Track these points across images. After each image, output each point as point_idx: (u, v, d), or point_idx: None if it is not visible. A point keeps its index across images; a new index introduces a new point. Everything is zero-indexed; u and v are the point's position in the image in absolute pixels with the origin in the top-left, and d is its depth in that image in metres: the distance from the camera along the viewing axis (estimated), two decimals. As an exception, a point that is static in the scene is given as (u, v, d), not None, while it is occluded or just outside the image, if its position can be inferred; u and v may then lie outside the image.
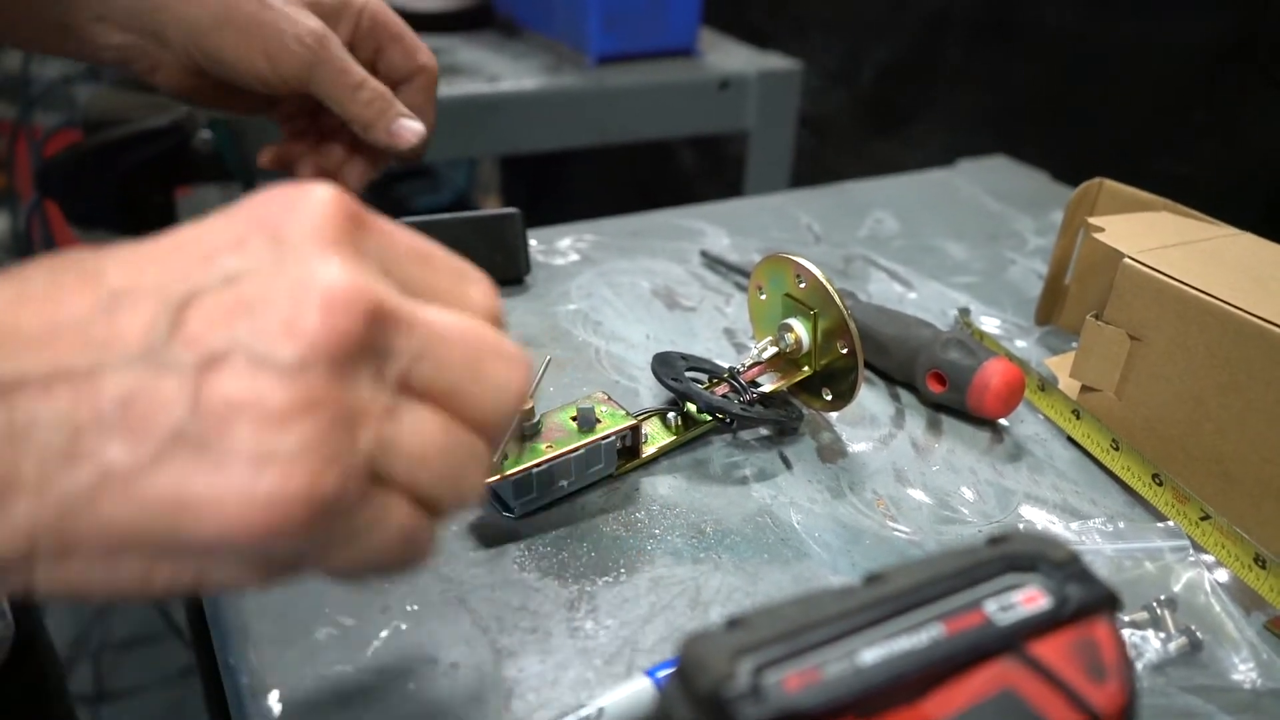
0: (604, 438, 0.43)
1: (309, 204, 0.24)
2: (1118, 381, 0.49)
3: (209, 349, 0.22)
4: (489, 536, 0.41)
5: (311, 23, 0.49)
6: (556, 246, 0.69)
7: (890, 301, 0.65)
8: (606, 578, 0.40)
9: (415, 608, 0.38)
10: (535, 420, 0.43)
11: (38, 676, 0.60)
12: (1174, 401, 0.46)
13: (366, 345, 0.23)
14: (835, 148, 1.60)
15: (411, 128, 0.53)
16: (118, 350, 0.22)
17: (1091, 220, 0.52)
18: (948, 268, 0.71)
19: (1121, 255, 0.47)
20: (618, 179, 1.95)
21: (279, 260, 0.23)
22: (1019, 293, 0.68)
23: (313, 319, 0.22)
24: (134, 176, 0.89)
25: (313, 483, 0.22)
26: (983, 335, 0.58)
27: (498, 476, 0.40)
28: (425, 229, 0.55)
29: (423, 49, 0.55)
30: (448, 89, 1.19)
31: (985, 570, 0.28)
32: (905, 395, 0.54)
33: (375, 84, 0.52)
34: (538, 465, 0.41)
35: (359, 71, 0.51)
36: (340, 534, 0.23)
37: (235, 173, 0.94)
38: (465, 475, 0.25)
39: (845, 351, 0.47)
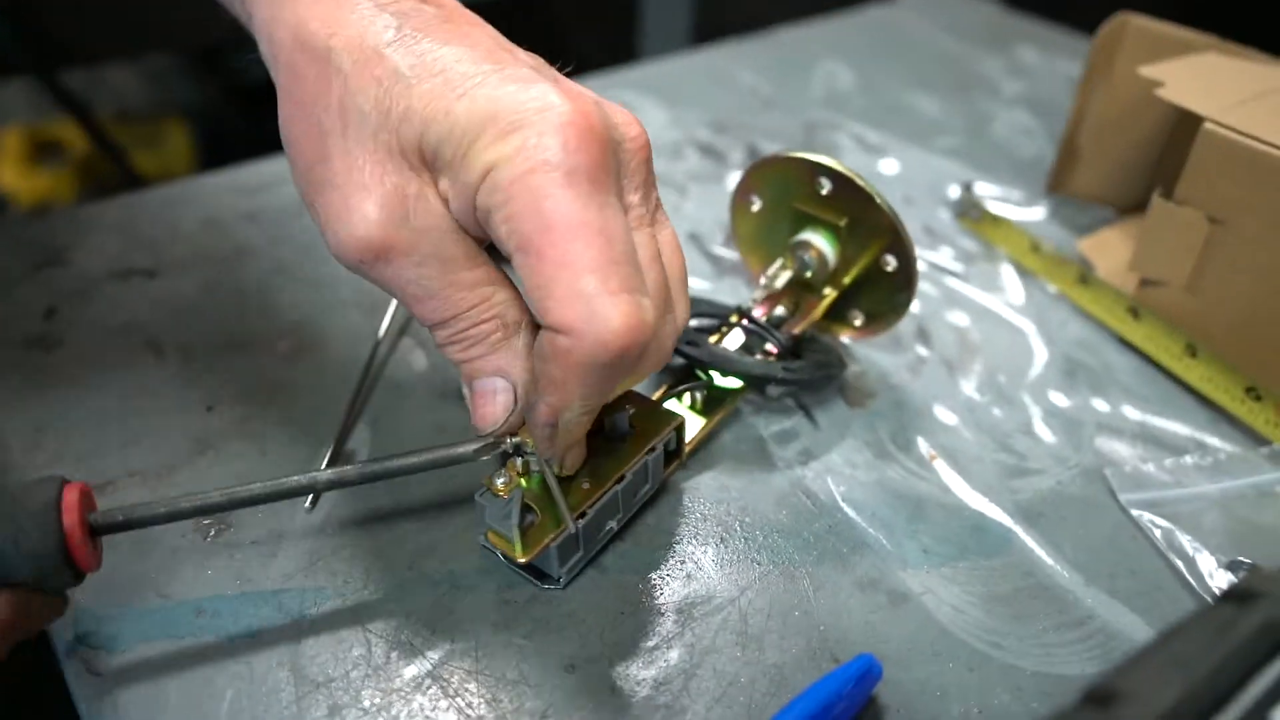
0: (650, 450, 0.32)
1: None
2: (1189, 273, 0.40)
3: None
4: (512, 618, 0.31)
5: (361, 230, 0.26)
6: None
7: (871, 176, 0.55)
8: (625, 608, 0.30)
9: None
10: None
11: None
12: (1264, 298, 0.38)
13: None
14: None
15: (480, 400, 0.29)
16: None
17: (1144, 71, 0.42)
18: (924, 128, 0.61)
19: (1200, 118, 0.38)
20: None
21: None
22: (1011, 154, 0.59)
23: None
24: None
25: None
26: (995, 219, 0.49)
27: (535, 549, 0.28)
28: None
29: (563, 304, 0.25)
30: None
31: (1250, 653, 0.19)
32: (922, 299, 0.45)
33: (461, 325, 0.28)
34: (585, 513, 0.30)
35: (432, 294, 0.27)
36: None
37: (20, 65, 0.75)
38: None
39: (891, 269, 0.37)
